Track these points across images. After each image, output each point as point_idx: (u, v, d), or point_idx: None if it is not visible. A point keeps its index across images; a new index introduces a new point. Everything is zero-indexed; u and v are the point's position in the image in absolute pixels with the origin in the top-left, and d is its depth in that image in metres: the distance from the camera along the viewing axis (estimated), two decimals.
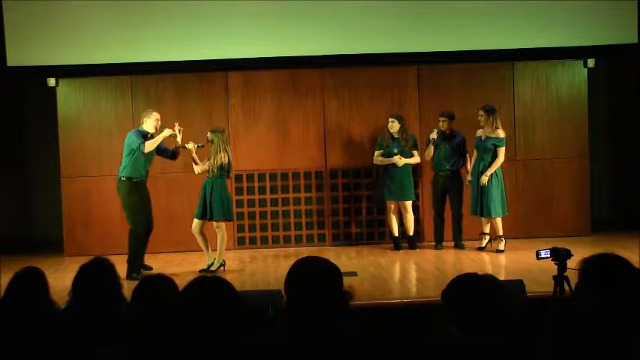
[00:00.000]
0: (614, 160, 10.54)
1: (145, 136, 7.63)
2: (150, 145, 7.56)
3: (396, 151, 8.71)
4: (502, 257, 8.24)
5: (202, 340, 2.46)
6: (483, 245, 8.60)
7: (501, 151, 8.41)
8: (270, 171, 9.48)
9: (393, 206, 8.86)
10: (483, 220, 8.58)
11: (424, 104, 9.45)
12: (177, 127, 7.75)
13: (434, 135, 8.68)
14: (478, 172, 8.45)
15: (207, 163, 7.65)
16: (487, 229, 8.60)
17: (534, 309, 4.90)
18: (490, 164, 8.41)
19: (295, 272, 2.65)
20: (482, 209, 8.43)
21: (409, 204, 8.86)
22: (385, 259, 8.34)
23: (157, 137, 7.64)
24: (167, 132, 7.69)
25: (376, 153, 8.86)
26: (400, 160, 8.70)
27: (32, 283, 3.70)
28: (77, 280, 3.55)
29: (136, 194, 7.62)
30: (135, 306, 3.05)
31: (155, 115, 7.72)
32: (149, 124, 7.67)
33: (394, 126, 8.73)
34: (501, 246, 8.44)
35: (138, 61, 9.07)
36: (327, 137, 9.50)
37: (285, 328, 2.59)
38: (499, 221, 8.47)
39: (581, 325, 2.59)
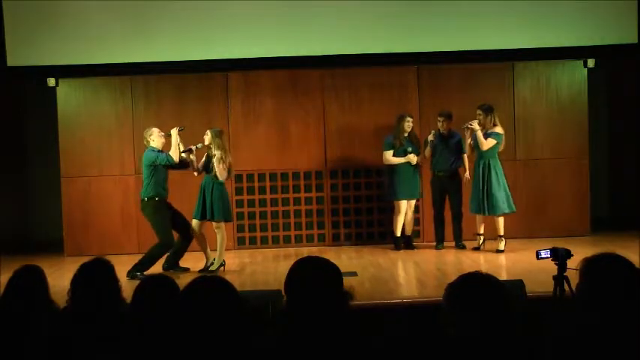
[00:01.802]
0: (614, 160, 10.54)
1: (161, 152, 7.76)
2: (175, 153, 7.69)
3: (410, 149, 8.73)
4: (502, 257, 8.25)
5: (202, 341, 2.45)
6: (478, 245, 8.60)
7: (491, 142, 8.39)
8: (270, 171, 9.48)
9: (405, 205, 8.83)
10: (477, 219, 8.58)
11: (424, 104, 9.45)
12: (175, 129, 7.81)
13: (431, 137, 8.71)
14: (480, 172, 8.44)
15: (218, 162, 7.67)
16: (481, 230, 8.61)
17: (534, 309, 4.89)
18: (490, 163, 8.40)
19: (295, 272, 2.65)
20: (485, 208, 8.42)
21: (413, 203, 8.88)
22: (385, 259, 8.35)
23: (173, 143, 7.74)
24: (175, 131, 7.78)
25: (388, 153, 8.82)
26: (414, 159, 8.72)
27: (31, 281, 3.70)
28: (76, 280, 3.55)
29: (162, 212, 7.74)
30: (136, 306, 3.05)
31: (156, 130, 7.85)
32: (156, 140, 7.78)
33: (410, 125, 8.75)
34: (501, 246, 8.44)
35: (138, 61, 9.06)
36: (327, 137, 9.49)
37: (285, 328, 2.59)
38: (501, 220, 8.47)
39: (582, 325, 2.59)
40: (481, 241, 8.61)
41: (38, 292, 3.68)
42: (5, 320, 3.53)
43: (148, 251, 7.78)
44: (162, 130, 7.90)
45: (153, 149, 7.76)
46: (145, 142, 7.85)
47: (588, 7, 9.11)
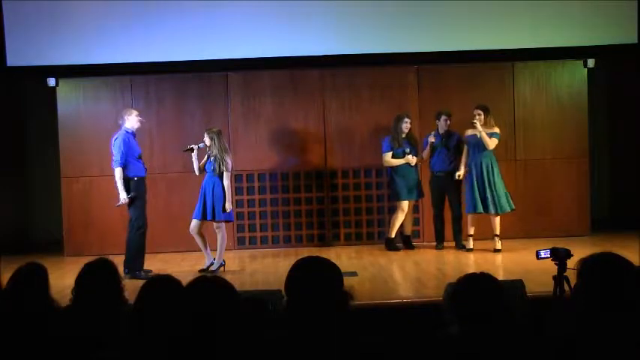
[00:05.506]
0: (614, 160, 10.54)
1: (134, 135, 7.68)
2: (120, 187, 7.62)
3: (408, 150, 8.72)
4: (502, 257, 8.25)
5: (203, 340, 2.46)
6: (471, 246, 8.59)
7: (495, 141, 8.43)
8: (270, 171, 9.47)
9: (408, 206, 8.84)
10: (470, 221, 8.56)
11: (424, 104, 9.44)
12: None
13: (431, 137, 8.71)
14: (484, 171, 8.43)
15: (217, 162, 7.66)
16: (472, 231, 8.61)
17: (534, 309, 4.89)
18: (491, 163, 8.42)
19: (295, 272, 2.65)
20: (495, 206, 8.39)
21: (412, 203, 8.88)
22: (385, 259, 8.35)
23: (118, 186, 7.64)
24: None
25: (387, 155, 8.79)
26: (413, 160, 8.71)
27: (34, 278, 3.70)
28: (80, 279, 3.55)
29: (139, 192, 7.68)
30: (139, 305, 3.05)
31: (135, 112, 7.77)
32: (131, 121, 7.67)
33: (408, 126, 8.75)
34: (499, 245, 8.45)
35: (138, 61, 9.06)
36: (327, 137, 9.49)
37: (285, 329, 2.59)
38: (498, 220, 8.49)
39: (581, 324, 2.59)
40: (470, 244, 8.60)
41: (40, 291, 3.68)
42: (6, 317, 3.53)
43: (127, 245, 7.66)
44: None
45: (127, 130, 7.63)
46: (120, 122, 7.70)
47: (588, 7, 9.12)
